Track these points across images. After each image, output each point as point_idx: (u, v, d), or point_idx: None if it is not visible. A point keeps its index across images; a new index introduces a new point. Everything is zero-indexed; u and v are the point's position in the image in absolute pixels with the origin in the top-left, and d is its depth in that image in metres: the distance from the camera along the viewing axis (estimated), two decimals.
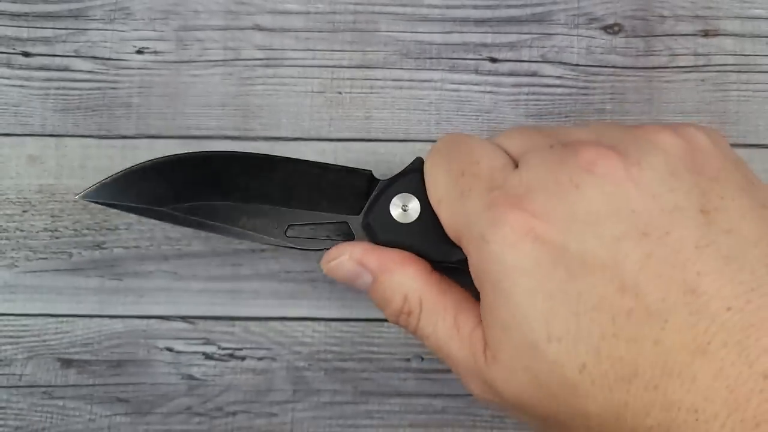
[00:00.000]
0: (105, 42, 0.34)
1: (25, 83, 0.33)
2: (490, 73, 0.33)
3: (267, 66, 0.34)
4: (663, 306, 0.20)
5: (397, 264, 0.25)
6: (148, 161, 0.28)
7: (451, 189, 0.24)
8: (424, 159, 0.26)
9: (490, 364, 0.22)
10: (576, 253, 0.20)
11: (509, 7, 0.34)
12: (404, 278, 0.25)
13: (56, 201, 0.32)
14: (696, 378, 0.19)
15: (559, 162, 0.22)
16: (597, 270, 0.20)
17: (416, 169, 0.26)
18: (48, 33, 0.34)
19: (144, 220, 0.32)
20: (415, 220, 0.26)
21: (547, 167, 0.22)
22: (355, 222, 0.27)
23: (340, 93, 0.33)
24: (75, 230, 0.32)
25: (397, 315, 0.25)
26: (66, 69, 0.33)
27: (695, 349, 0.19)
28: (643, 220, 0.21)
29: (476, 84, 0.33)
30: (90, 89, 0.33)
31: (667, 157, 0.22)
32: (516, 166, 0.24)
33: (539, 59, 0.33)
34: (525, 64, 0.33)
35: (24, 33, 0.34)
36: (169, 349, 0.31)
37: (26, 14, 0.34)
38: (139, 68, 0.34)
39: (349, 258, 0.25)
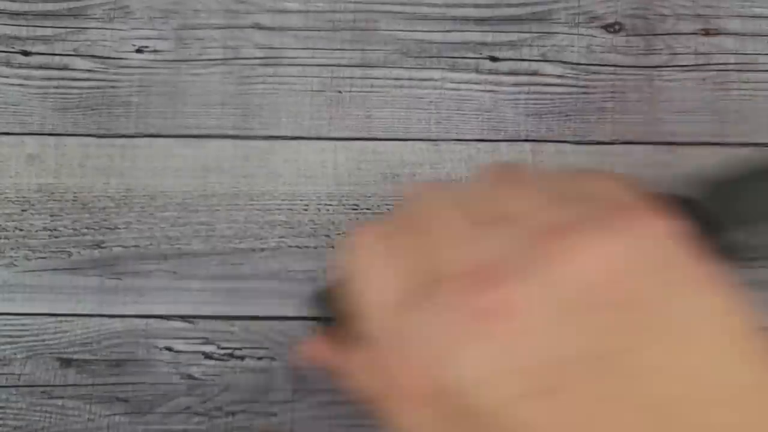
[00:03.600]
0: (104, 41, 0.34)
1: (25, 82, 0.33)
2: (490, 72, 0.33)
3: (267, 65, 0.33)
4: None
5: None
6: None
7: (359, 316, 0.23)
8: None
9: None
10: (475, 412, 0.19)
11: (510, 6, 0.34)
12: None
13: (55, 200, 0.32)
14: None
15: (454, 308, 0.19)
16: (498, 429, 0.19)
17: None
18: (47, 32, 0.34)
19: (143, 219, 0.32)
20: None
21: (444, 312, 0.20)
22: None
23: (339, 92, 0.33)
24: (74, 229, 0.32)
25: None
26: (65, 68, 0.33)
27: None
28: (542, 376, 0.19)
29: (476, 83, 0.33)
30: (89, 88, 0.33)
31: (574, 291, 0.19)
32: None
33: (540, 58, 0.33)
34: (525, 63, 0.33)
35: (23, 32, 0.34)
36: (169, 349, 0.31)
37: (26, 13, 0.34)
38: (138, 67, 0.33)
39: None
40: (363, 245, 0.23)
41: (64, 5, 0.34)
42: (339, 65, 0.33)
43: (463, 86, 0.33)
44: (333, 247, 0.32)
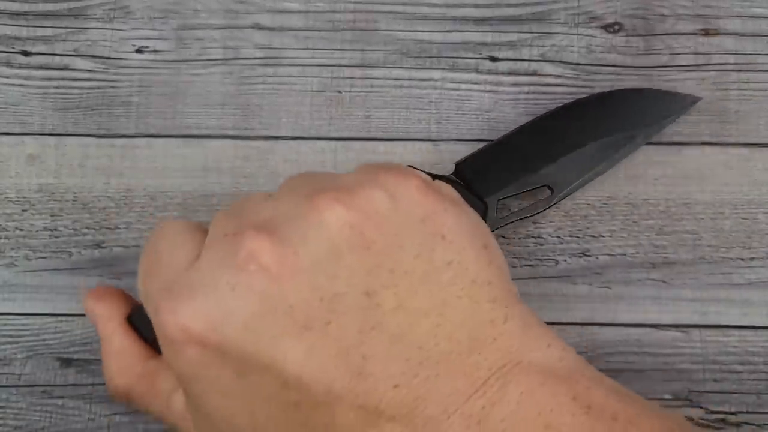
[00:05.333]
0: (104, 41, 0.34)
1: (25, 82, 0.33)
2: (490, 72, 0.33)
3: (267, 65, 0.33)
4: (329, 395, 0.20)
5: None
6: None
7: (142, 291, 0.24)
8: None
9: (193, 429, 0.23)
10: (238, 355, 0.21)
11: (509, 6, 0.34)
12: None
13: (56, 200, 0.32)
14: None
15: (221, 261, 0.21)
16: (260, 369, 0.21)
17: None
18: (47, 32, 0.34)
19: (143, 219, 0.32)
20: None
21: (212, 266, 0.22)
22: None
23: (339, 92, 0.33)
24: (75, 229, 0.32)
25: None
26: (65, 68, 0.33)
27: (364, 425, 0.20)
28: (303, 314, 0.21)
29: (476, 83, 0.33)
30: (89, 88, 0.33)
31: (330, 239, 0.21)
32: None
33: (539, 58, 0.33)
34: (525, 63, 0.33)
35: (23, 32, 0.34)
36: None
37: (26, 13, 0.34)
38: (138, 67, 0.33)
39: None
40: (164, 225, 0.25)
41: (65, 5, 0.34)
42: (339, 65, 0.33)
43: (463, 86, 0.33)
44: None
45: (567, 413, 0.20)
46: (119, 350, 0.25)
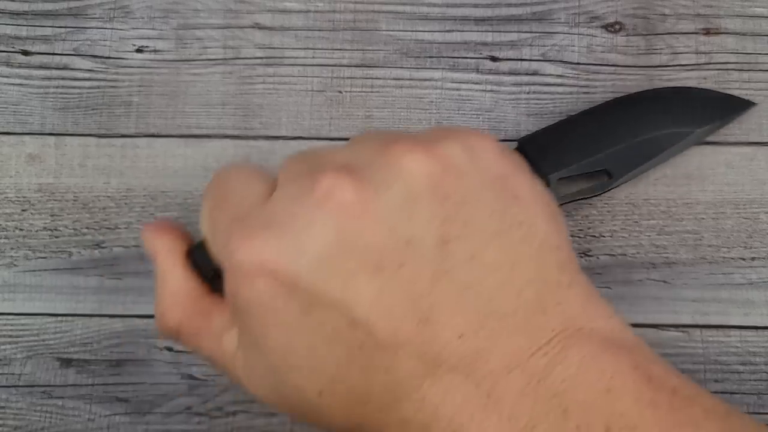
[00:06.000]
0: (104, 40, 0.34)
1: (25, 82, 0.33)
2: (490, 71, 0.33)
3: (267, 65, 0.33)
4: (394, 339, 0.20)
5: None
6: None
7: (208, 225, 0.24)
8: None
9: (242, 371, 0.23)
10: (307, 290, 0.21)
11: (510, 5, 0.34)
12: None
13: (56, 200, 0.32)
14: (425, 399, 0.21)
15: (297, 196, 0.22)
16: (328, 306, 0.21)
17: None
18: (47, 31, 0.34)
19: (143, 219, 0.32)
20: None
21: (287, 201, 0.22)
22: None
23: (340, 92, 0.33)
24: (74, 229, 0.32)
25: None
26: (65, 68, 0.33)
27: (424, 374, 0.20)
28: (377, 254, 0.21)
29: (477, 83, 0.33)
30: (90, 88, 0.33)
31: (409, 183, 0.21)
32: None
33: (540, 58, 0.33)
34: (526, 63, 0.33)
35: (23, 31, 0.34)
36: (169, 349, 0.31)
37: (26, 13, 0.34)
38: (138, 67, 0.33)
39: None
40: (230, 166, 0.25)
41: (64, 5, 0.34)
42: (339, 65, 0.33)
43: (463, 86, 0.33)
44: None
45: (629, 380, 0.20)
46: (176, 285, 0.25)
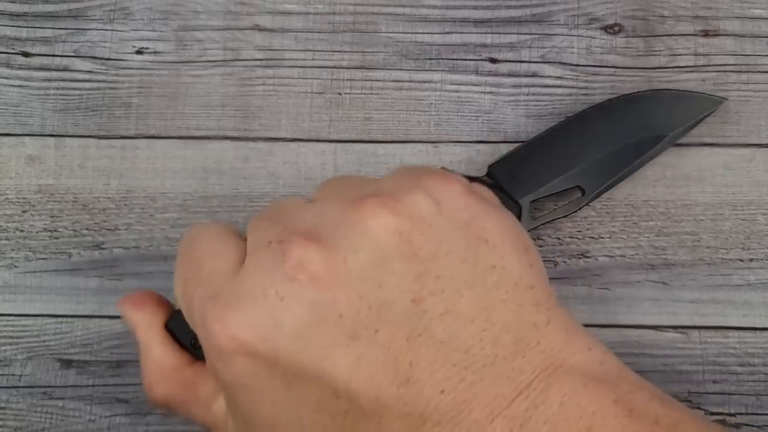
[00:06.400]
0: (104, 42, 0.34)
1: (25, 83, 0.33)
2: (490, 73, 0.33)
3: (267, 66, 0.33)
4: (377, 404, 0.20)
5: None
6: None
7: (182, 299, 0.24)
8: None
9: None
10: (287, 364, 0.21)
11: (509, 7, 0.34)
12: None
13: (56, 201, 0.32)
14: None
15: (267, 268, 0.21)
16: (310, 378, 0.21)
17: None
18: (47, 33, 0.34)
19: (143, 220, 0.32)
20: None
21: (257, 275, 0.21)
22: None
23: (339, 94, 0.33)
24: (74, 230, 0.32)
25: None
26: (65, 69, 0.33)
27: None
28: (351, 323, 0.21)
29: (476, 85, 0.33)
30: (89, 89, 0.33)
31: (377, 246, 0.21)
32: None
33: (539, 60, 0.33)
34: (525, 65, 0.33)
35: (23, 33, 0.34)
36: None
37: (26, 14, 0.34)
38: (138, 68, 0.33)
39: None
40: (199, 229, 0.25)
41: (65, 6, 0.34)
42: (339, 67, 0.33)
43: (462, 88, 0.33)
44: None
45: (610, 415, 0.20)
46: (159, 358, 0.25)
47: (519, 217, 0.29)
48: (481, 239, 0.22)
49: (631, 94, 0.32)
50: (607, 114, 0.31)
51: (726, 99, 0.32)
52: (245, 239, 0.23)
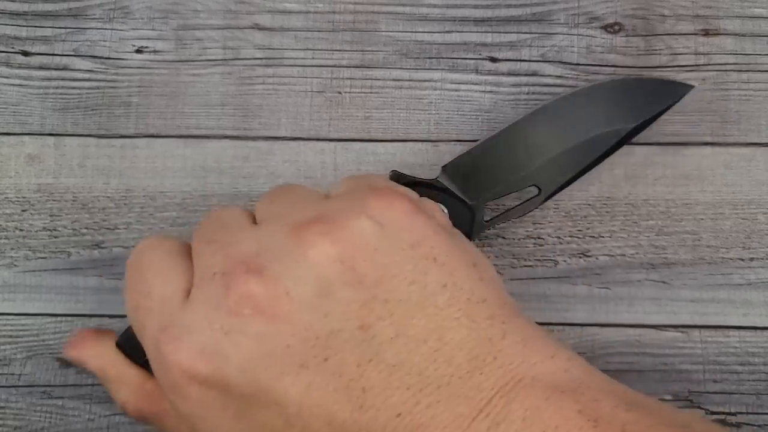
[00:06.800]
0: (104, 41, 0.34)
1: (24, 82, 0.33)
2: (490, 72, 0.33)
3: (266, 65, 0.33)
4: (330, 429, 0.20)
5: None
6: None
7: (135, 325, 0.24)
8: None
9: None
10: (239, 393, 0.21)
11: (509, 6, 0.34)
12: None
13: (55, 200, 0.32)
14: None
15: (213, 303, 0.21)
16: (261, 408, 0.21)
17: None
18: (47, 32, 0.34)
19: (143, 219, 0.32)
20: None
21: (204, 307, 0.22)
22: None
23: (339, 93, 0.33)
24: (74, 230, 0.32)
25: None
26: (65, 68, 0.33)
27: None
28: (299, 353, 0.21)
29: (476, 84, 0.33)
30: (89, 88, 0.33)
31: (321, 276, 0.21)
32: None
33: (539, 59, 0.33)
34: (525, 64, 0.33)
35: (23, 32, 0.34)
36: None
37: (25, 13, 0.34)
38: (138, 67, 0.33)
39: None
40: (147, 248, 0.24)
41: (64, 5, 0.34)
42: (339, 66, 0.33)
43: (462, 87, 0.33)
44: None
45: (574, 428, 0.20)
46: (117, 377, 0.26)
47: (473, 219, 0.28)
48: (429, 258, 0.22)
49: (591, 85, 0.31)
50: (563, 109, 0.30)
51: (693, 86, 0.31)
52: (191, 260, 0.24)
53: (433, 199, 0.26)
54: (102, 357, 0.26)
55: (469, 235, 0.28)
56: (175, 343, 0.21)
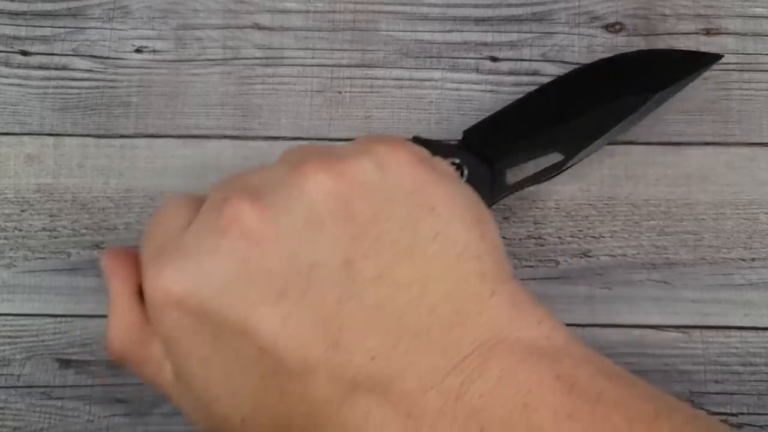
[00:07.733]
0: (104, 41, 0.34)
1: (24, 82, 0.33)
2: (490, 72, 0.33)
3: (266, 65, 0.33)
4: (304, 365, 0.20)
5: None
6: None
7: (143, 252, 0.24)
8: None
9: (179, 401, 0.23)
10: (215, 318, 0.21)
11: (510, 5, 0.34)
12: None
13: (54, 200, 0.32)
14: (345, 423, 0.20)
15: (206, 225, 0.22)
16: (237, 334, 0.21)
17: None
18: (46, 32, 0.34)
19: (142, 219, 0.32)
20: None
21: (198, 231, 0.22)
22: None
23: (339, 92, 0.33)
24: (73, 230, 0.32)
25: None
26: (64, 68, 0.33)
27: (341, 399, 0.20)
28: (280, 281, 0.20)
29: (477, 83, 0.33)
30: (89, 88, 0.33)
31: (311, 207, 0.21)
32: None
33: (540, 58, 0.33)
34: (526, 63, 0.33)
35: (22, 32, 0.34)
36: None
37: (25, 13, 0.34)
38: (137, 67, 0.33)
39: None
40: (167, 200, 0.25)
41: (64, 5, 0.34)
42: (339, 65, 0.33)
43: (463, 86, 0.33)
44: None
45: (548, 392, 0.20)
46: (123, 312, 0.25)
47: (492, 182, 0.28)
48: (425, 207, 0.22)
49: (621, 54, 0.31)
50: (588, 75, 0.30)
51: (722, 56, 0.31)
52: None
53: (454, 162, 0.26)
54: (123, 284, 0.25)
55: (490, 199, 0.28)
56: (161, 264, 0.22)
